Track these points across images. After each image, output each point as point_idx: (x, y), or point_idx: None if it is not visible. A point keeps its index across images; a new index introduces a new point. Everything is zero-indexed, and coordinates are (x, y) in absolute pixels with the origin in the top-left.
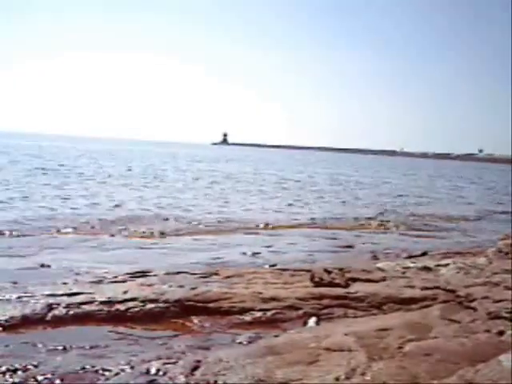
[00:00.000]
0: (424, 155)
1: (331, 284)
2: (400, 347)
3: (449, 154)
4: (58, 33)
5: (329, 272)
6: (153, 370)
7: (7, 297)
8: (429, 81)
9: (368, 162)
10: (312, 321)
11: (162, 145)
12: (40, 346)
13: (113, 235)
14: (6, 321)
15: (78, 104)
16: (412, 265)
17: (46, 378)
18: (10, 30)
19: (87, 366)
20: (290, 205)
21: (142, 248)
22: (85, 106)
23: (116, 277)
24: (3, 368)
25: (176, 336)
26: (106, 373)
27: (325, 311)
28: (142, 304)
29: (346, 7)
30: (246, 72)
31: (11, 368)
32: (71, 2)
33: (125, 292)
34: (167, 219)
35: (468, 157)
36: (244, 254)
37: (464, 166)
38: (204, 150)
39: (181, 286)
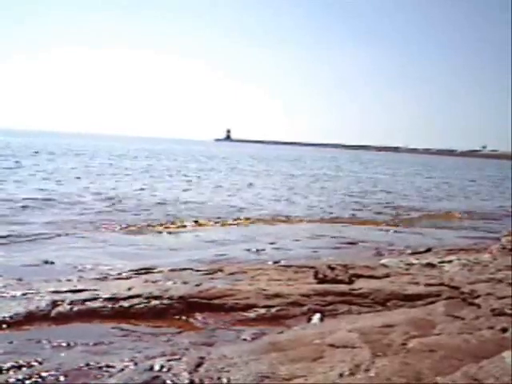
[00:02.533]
0: (427, 151)
1: (335, 280)
2: (404, 343)
3: (453, 151)
4: (59, 31)
5: (332, 268)
6: (157, 367)
7: (12, 293)
8: (431, 78)
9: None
10: (316, 317)
11: (169, 142)
12: (44, 342)
13: None
14: (10, 317)
15: (82, 102)
16: (416, 261)
17: (50, 375)
18: (12, 27)
19: (91, 363)
20: None
21: None
22: (88, 104)
23: (120, 273)
24: (8, 364)
25: (180, 332)
26: (110, 369)
27: (329, 308)
28: (146, 301)
29: (348, 6)
30: (249, 70)
31: (16, 364)
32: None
33: (129, 289)
34: None
35: (472, 153)
36: (248, 250)
37: (473, 162)
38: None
39: (185, 283)
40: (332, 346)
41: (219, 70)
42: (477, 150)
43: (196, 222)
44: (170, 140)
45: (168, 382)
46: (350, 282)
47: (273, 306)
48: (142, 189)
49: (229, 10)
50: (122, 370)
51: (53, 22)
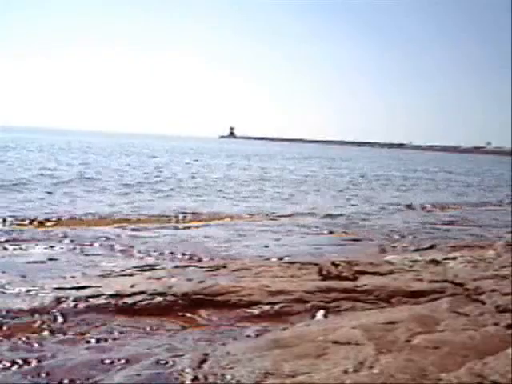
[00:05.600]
0: (431, 148)
1: (339, 277)
2: (408, 340)
3: (457, 147)
4: (60, 31)
5: (336, 265)
6: (161, 363)
7: (16, 290)
8: (434, 74)
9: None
10: (320, 314)
11: (175, 139)
12: (49, 339)
13: None
14: (15, 314)
15: (89, 100)
16: (420, 258)
17: (54, 371)
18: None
19: (96, 359)
20: None
21: None
22: (89, 103)
23: (124, 270)
24: (13, 361)
25: (184, 329)
26: (115, 365)
27: (333, 304)
28: (150, 297)
29: (347, 1)
30: (250, 68)
31: (20, 361)
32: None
33: (132, 285)
34: None
35: (476, 150)
36: (252, 247)
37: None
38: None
39: (189, 280)
40: (336, 342)
41: (221, 67)
42: (481, 147)
43: None
44: (175, 137)
45: (172, 378)
46: (354, 278)
47: (276, 303)
48: None
49: (233, 7)
50: (126, 366)
51: (55, 22)
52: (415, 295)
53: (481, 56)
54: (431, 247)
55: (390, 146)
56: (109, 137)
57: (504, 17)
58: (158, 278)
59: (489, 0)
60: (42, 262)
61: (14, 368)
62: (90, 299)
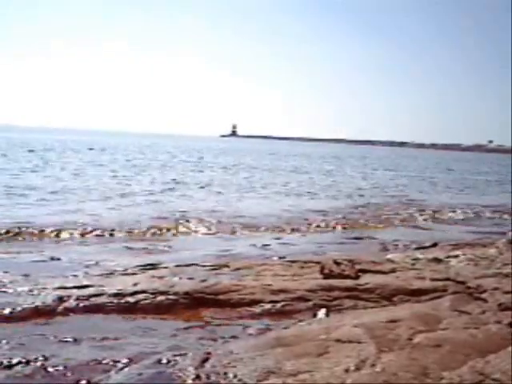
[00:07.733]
0: (434, 146)
1: (341, 276)
2: (410, 339)
3: (459, 145)
4: (60, 31)
5: (338, 264)
6: (163, 362)
7: (19, 289)
8: (434, 74)
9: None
10: (321, 312)
11: (177, 138)
12: (51, 338)
13: None
14: (17, 313)
15: (89, 99)
16: (422, 256)
17: (57, 370)
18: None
19: (98, 358)
20: None
21: None
22: (96, 102)
23: (126, 269)
24: (15, 360)
25: (186, 328)
26: (117, 364)
27: (334, 303)
28: (152, 296)
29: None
30: (251, 67)
31: (23, 360)
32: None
33: (135, 284)
34: None
35: (478, 147)
36: (254, 245)
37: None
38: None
39: (191, 279)
40: (337, 341)
41: (221, 67)
42: (482, 145)
43: None
44: (177, 136)
45: (174, 377)
46: (356, 277)
47: (278, 302)
48: None
49: (236, 8)
50: (128, 365)
51: (55, 22)
52: (417, 293)
53: (481, 56)
54: (433, 245)
55: (392, 144)
56: (120, 136)
57: (504, 17)
58: (160, 277)
59: (489, 0)
60: None
61: (15, 367)
62: (93, 298)
